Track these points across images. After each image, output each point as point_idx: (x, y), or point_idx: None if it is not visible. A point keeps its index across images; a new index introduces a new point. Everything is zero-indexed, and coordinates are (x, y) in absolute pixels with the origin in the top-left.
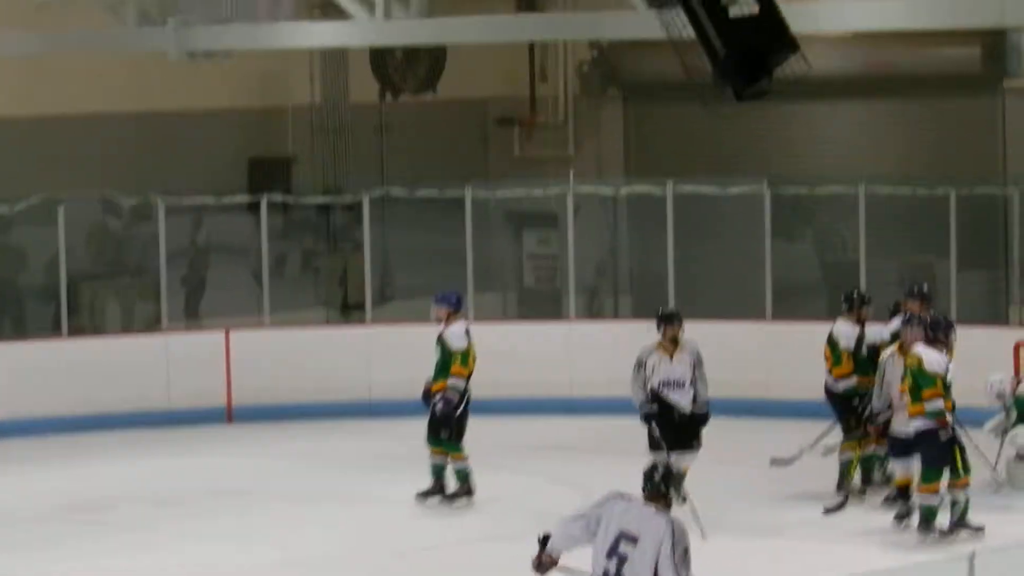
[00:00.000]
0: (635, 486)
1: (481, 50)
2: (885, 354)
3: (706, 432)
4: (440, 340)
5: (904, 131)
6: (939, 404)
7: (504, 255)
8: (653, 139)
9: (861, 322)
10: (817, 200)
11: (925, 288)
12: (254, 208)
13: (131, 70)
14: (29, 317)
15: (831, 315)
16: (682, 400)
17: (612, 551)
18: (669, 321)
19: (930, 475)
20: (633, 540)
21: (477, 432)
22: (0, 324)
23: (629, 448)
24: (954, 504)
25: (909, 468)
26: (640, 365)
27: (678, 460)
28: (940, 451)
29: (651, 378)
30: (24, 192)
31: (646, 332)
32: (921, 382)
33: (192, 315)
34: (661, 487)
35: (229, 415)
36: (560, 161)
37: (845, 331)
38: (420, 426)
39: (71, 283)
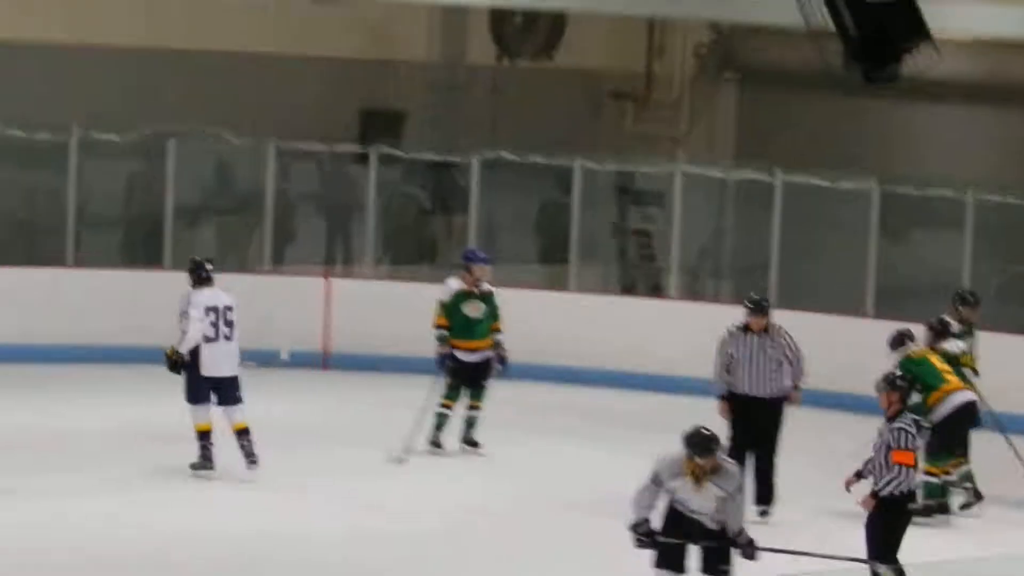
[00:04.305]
0: None
1: (600, 22)
2: None
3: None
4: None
5: (1020, 141)
6: None
7: (607, 228)
8: (765, 126)
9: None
10: (924, 202)
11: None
12: (365, 160)
13: (252, 11)
14: (128, 247)
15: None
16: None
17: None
18: (697, 450)
19: None
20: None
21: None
22: (105, 252)
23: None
24: None
25: None
26: (657, 480)
27: None
28: None
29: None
30: (135, 124)
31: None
32: None
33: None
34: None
35: (325, 361)
36: (670, 140)
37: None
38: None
39: (178, 217)
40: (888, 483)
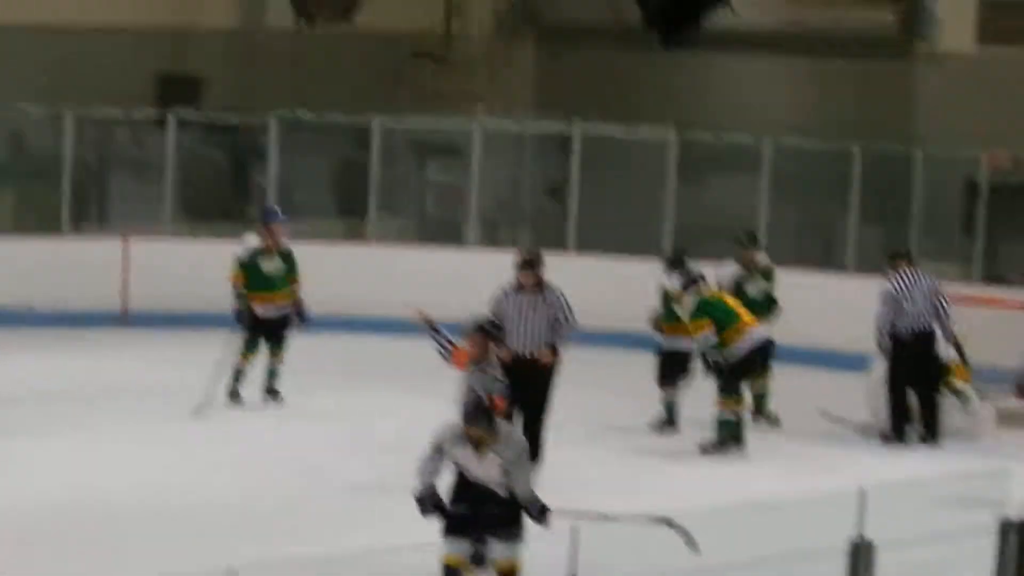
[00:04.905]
0: None
1: None
2: None
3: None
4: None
5: (816, 89)
6: None
7: (408, 182)
8: (564, 81)
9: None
10: (721, 148)
11: None
12: (163, 125)
13: None
14: None
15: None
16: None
17: None
18: (466, 419)
19: None
20: None
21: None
22: None
23: None
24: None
25: None
26: (439, 450)
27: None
28: None
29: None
30: None
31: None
32: None
33: (93, 223)
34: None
35: (125, 319)
36: (471, 97)
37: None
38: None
39: None
40: None
